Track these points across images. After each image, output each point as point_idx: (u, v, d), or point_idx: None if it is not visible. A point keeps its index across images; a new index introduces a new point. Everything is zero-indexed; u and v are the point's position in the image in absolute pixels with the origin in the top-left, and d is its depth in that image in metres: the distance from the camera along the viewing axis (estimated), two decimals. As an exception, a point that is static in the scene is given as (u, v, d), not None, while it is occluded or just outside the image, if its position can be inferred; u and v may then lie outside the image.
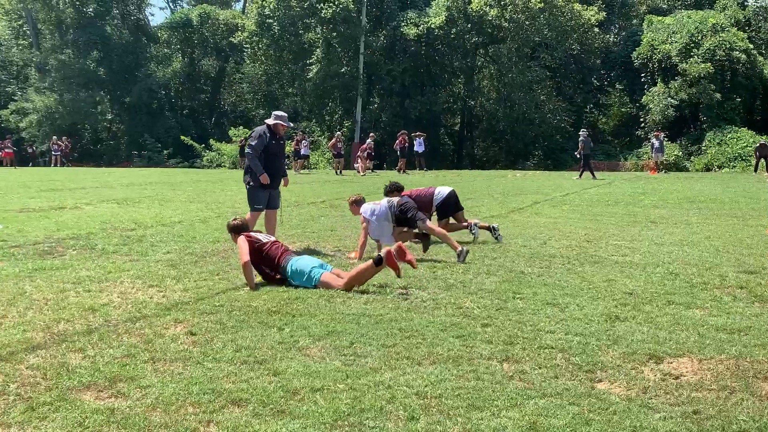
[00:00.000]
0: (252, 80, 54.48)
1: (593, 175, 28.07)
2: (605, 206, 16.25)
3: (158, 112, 55.43)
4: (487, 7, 42.25)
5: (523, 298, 6.87)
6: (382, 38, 44.35)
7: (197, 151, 46.79)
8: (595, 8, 43.84)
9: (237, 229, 7.95)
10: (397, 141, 33.91)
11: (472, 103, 47.55)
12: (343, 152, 33.60)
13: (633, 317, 6.17)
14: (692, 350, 5.26)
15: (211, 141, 47.12)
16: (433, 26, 42.55)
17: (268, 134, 9.61)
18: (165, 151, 49.85)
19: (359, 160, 32.50)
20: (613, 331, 5.72)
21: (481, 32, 43.78)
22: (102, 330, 5.67)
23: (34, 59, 56.62)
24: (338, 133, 36.33)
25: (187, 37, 56.08)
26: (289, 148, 31.41)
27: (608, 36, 48.45)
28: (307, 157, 35.26)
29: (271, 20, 45.55)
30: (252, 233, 7.93)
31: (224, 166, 43.69)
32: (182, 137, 47.58)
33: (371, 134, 35.91)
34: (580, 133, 29.71)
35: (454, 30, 42.77)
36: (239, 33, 49.38)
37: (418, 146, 34.96)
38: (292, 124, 10.84)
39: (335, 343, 5.37)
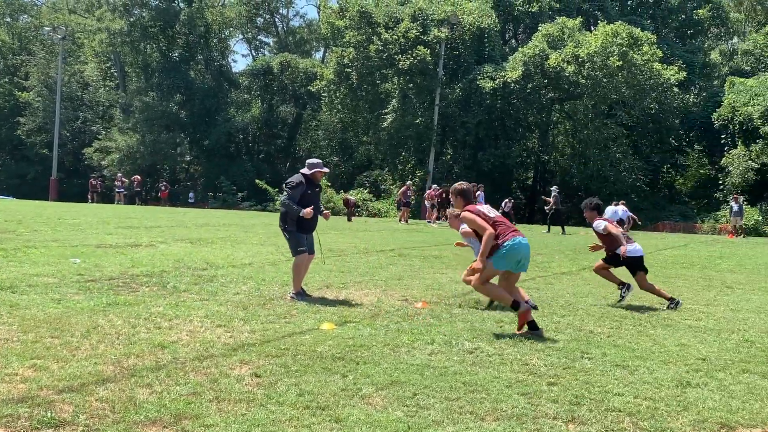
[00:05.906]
0: (327, 127, 55.36)
1: (563, 230, 29.85)
2: (680, 268, 15.85)
3: (235, 156, 56.76)
4: (565, 64, 42.14)
5: (592, 358, 6.73)
6: (457, 90, 44.62)
7: (271, 195, 47.56)
8: (675, 68, 43.22)
9: (463, 194, 8.24)
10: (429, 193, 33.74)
11: (546, 158, 47.23)
12: (412, 201, 33.58)
13: (705, 384, 5.97)
14: (766, 421, 5.06)
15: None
16: (509, 80, 42.60)
17: (305, 183, 9.73)
18: (240, 194, 50.87)
19: (428, 209, 32.59)
20: (683, 397, 5.55)
21: (558, 88, 43.65)
22: (170, 367, 5.78)
23: (119, 100, 58.87)
24: (409, 182, 36.46)
25: (267, 84, 57.58)
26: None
27: (688, 96, 47.64)
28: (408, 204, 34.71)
29: (349, 69, 46.40)
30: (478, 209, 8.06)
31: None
32: (257, 181, 48.50)
33: (433, 186, 35.96)
34: (553, 189, 32.47)
35: (530, 84, 42.74)
36: (317, 81, 50.34)
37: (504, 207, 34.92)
38: (328, 170, 10.97)
39: (398, 393, 5.34)
